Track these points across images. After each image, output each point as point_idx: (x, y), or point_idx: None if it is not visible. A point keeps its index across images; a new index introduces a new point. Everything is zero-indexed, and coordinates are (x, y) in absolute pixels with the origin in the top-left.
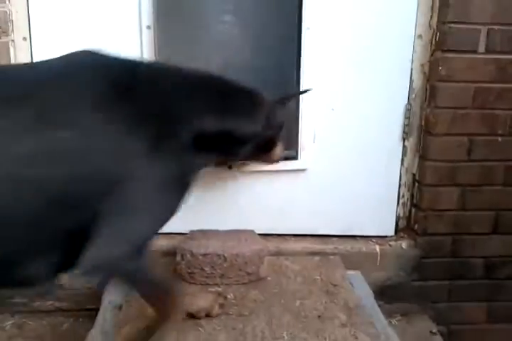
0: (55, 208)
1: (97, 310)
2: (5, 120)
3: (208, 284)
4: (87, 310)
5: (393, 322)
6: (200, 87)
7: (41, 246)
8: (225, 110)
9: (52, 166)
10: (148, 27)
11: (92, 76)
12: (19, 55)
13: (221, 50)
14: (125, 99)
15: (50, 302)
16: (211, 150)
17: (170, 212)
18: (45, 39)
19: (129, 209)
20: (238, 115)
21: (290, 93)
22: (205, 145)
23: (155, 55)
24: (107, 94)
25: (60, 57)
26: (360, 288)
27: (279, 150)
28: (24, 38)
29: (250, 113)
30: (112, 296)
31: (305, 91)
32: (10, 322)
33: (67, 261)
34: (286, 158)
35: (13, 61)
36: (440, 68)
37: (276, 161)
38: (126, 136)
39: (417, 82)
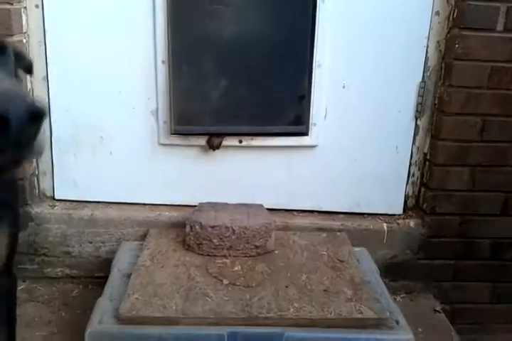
0: None
1: (105, 278)
2: None
3: (215, 256)
4: (97, 277)
5: (397, 299)
6: None
7: None
8: None
9: None
10: None
11: None
12: (31, 22)
13: (235, 23)
14: None
15: (60, 269)
16: None
17: None
18: (57, 6)
19: None
20: None
21: None
22: None
23: (167, 25)
24: None
25: None
26: (366, 265)
27: None
28: (36, 5)
29: None
30: (122, 265)
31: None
32: (21, 287)
33: None
34: (297, 134)
35: (25, 28)
36: (456, 46)
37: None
38: None
39: (433, 60)
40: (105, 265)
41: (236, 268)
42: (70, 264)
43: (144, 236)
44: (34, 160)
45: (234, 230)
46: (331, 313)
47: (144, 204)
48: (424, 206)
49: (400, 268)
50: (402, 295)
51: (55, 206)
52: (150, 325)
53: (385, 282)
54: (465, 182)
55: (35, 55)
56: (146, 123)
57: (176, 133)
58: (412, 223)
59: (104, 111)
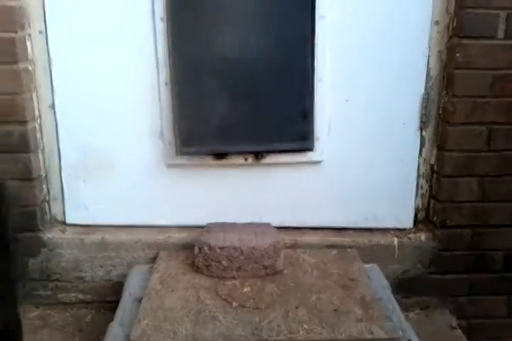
0: None
1: (117, 302)
2: None
3: (224, 277)
4: (109, 302)
5: (411, 316)
6: None
7: None
8: None
9: None
10: (162, 19)
11: None
12: (36, 49)
13: (236, 41)
14: None
15: (74, 294)
16: None
17: None
18: (60, 32)
19: None
20: None
21: None
22: None
23: (168, 47)
24: None
25: None
26: (377, 282)
27: None
28: (40, 32)
29: None
30: (133, 289)
31: None
32: (34, 313)
33: None
34: (302, 150)
35: (30, 56)
36: (457, 55)
37: None
38: None
39: (434, 70)
40: (117, 289)
41: (245, 290)
42: (83, 289)
43: (154, 259)
44: (44, 186)
45: (242, 250)
46: (341, 334)
47: (154, 226)
48: (435, 219)
49: (413, 284)
50: (416, 312)
51: (65, 231)
52: None
53: (397, 298)
54: (474, 192)
55: (41, 82)
56: (152, 145)
57: (181, 154)
58: (423, 237)
59: (110, 135)
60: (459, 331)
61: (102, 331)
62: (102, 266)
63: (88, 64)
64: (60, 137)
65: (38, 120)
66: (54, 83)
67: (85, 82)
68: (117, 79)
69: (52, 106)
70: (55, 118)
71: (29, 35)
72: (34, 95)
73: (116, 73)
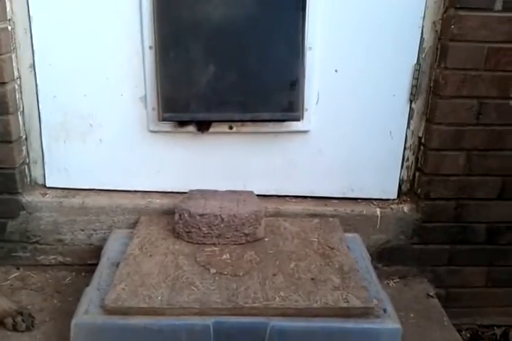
0: None
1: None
2: None
3: (204, 244)
4: (89, 265)
5: (390, 284)
6: None
7: None
8: None
9: None
10: None
11: None
12: (16, 9)
13: (224, 6)
14: None
15: (53, 256)
16: None
17: None
18: None
19: None
20: None
21: None
22: None
23: (153, 9)
24: None
25: None
26: (357, 251)
27: None
28: None
29: None
30: (111, 253)
31: None
32: (15, 274)
33: None
34: (289, 120)
35: (9, 15)
36: (453, 26)
37: None
38: None
39: (428, 41)
40: (98, 252)
41: (224, 257)
42: (62, 252)
43: (135, 224)
44: (24, 148)
45: (223, 218)
46: (316, 302)
47: (135, 191)
48: (419, 191)
49: (394, 253)
50: (395, 280)
51: (46, 194)
52: (135, 315)
53: (378, 267)
54: (461, 166)
55: (21, 42)
56: (135, 110)
57: (163, 120)
58: (406, 208)
59: (92, 98)
60: (436, 300)
61: (81, 293)
62: (82, 230)
63: (70, 25)
64: (40, 98)
65: (18, 81)
66: (34, 43)
67: (67, 42)
68: (100, 40)
69: (33, 66)
70: (35, 79)
71: None
72: (13, 55)
73: (99, 34)
